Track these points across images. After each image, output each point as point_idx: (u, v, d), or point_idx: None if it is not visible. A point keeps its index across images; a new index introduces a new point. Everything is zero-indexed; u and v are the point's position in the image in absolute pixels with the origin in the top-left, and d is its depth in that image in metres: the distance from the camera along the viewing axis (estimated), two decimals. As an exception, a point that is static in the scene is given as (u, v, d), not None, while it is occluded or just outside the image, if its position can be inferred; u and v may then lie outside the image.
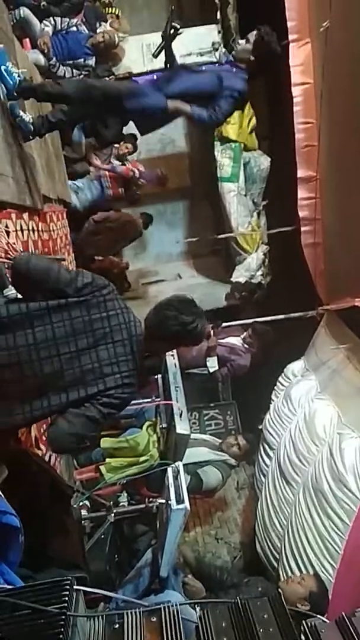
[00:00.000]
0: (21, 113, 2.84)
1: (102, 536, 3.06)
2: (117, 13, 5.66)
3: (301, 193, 4.32)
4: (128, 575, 2.94)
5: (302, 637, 1.19)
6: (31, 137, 3.00)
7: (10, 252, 2.42)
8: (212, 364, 4.71)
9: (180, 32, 2.87)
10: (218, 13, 5.82)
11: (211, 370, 4.76)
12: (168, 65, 3.03)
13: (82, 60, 4.71)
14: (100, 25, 5.13)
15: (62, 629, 1.09)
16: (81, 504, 3.14)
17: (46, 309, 1.75)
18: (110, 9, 5.70)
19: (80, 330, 1.77)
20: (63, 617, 1.12)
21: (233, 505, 4.81)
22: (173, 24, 2.82)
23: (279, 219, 5.78)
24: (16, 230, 2.82)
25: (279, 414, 4.23)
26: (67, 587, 1.19)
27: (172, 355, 3.41)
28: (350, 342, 3.90)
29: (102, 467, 3.29)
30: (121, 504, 3.36)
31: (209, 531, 4.52)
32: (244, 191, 5.93)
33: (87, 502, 3.19)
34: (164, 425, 3.27)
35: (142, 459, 3.26)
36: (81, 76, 4.61)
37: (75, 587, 1.21)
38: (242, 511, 4.72)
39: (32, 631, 1.11)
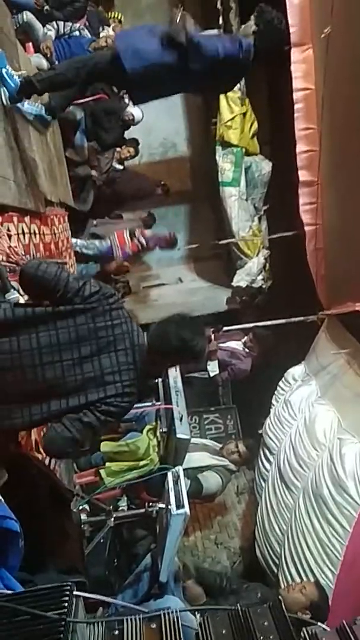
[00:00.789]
0: (26, 104, 2.87)
1: (102, 540, 3.06)
2: (119, 18, 5.68)
3: (302, 198, 4.32)
4: (127, 579, 2.93)
5: (302, 644, 1.18)
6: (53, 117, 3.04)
7: (11, 256, 2.43)
8: (213, 368, 4.72)
9: None
10: (220, 18, 5.84)
11: (212, 374, 4.77)
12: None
13: (84, 64, 4.71)
14: (102, 29, 5.15)
15: (62, 635, 1.09)
16: (81, 507, 3.14)
17: (52, 314, 1.76)
18: (112, 13, 5.72)
19: (84, 337, 1.77)
20: (63, 623, 1.11)
21: (233, 510, 4.81)
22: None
23: (280, 223, 5.79)
24: (17, 234, 2.82)
25: (279, 418, 4.23)
26: (67, 592, 1.18)
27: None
28: (351, 347, 3.89)
29: (102, 471, 3.28)
30: (121, 508, 3.36)
31: (208, 536, 4.52)
32: (245, 196, 5.94)
33: (86, 506, 3.18)
34: (164, 429, 3.27)
35: (142, 463, 3.25)
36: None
37: (75, 592, 1.20)
38: (241, 516, 4.72)
39: (31, 637, 1.11)
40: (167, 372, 3.37)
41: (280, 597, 2.69)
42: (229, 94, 5.30)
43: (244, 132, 5.75)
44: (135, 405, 3.42)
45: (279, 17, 2.78)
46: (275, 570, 3.43)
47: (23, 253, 2.69)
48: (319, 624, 1.20)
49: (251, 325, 5.14)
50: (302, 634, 1.20)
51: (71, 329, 1.76)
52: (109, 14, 5.69)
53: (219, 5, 5.81)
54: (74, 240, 4.93)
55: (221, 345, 4.87)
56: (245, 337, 4.95)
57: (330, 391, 3.92)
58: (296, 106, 4.16)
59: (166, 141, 7.06)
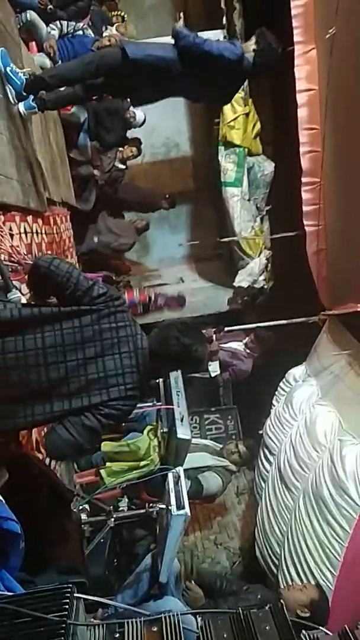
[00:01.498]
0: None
1: (102, 540, 3.06)
2: (123, 17, 5.67)
3: (305, 199, 4.32)
4: (127, 580, 2.93)
5: (304, 648, 1.18)
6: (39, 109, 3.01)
7: (14, 255, 2.43)
8: (214, 368, 4.71)
9: None
10: (224, 18, 5.83)
11: (213, 374, 4.76)
12: None
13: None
14: (106, 29, 5.14)
15: (63, 637, 1.09)
16: (81, 507, 3.14)
17: (58, 314, 1.76)
18: (116, 12, 5.72)
19: (89, 338, 1.77)
20: (63, 625, 1.11)
21: (233, 510, 4.81)
22: None
23: (282, 224, 5.79)
24: (20, 233, 2.82)
25: (280, 419, 4.22)
26: (68, 594, 1.18)
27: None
28: (352, 348, 3.89)
29: (102, 471, 3.27)
30: (121, 508, 3.36)
31: (208, 536, 4.51)
32: (247, 196, 5.94)
33: (87, 506, 3.18)
34: (165, 429, 3.26)
35: (142, 463, 3.25)
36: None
37: (75, 594, 1.20)
38: (241, 516, 4.71)
39: (32, 639, 1.11)
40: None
41: (280, 596, 2.69)
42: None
43: (246, 133, 5.74)
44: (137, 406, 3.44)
45: (277, 41, 2.94)
46: (275, 571, 3.43)
47: (25, 252, 2.69)
48: (321, 628, 1.20)
49: (252, 325, 5.13)
50: (302, 637, 1.20)
51: (76, 330, 1.76)
52: (112, 13, 5.68)
53: (222, 5, 5.81)
54: None
55: (222, 345, 4.86)
56: (247, 338, 4.94)
57: (331, 392, 3.91)
58: (299, 107, 4.15)
59: (169, 141, 7.05)
